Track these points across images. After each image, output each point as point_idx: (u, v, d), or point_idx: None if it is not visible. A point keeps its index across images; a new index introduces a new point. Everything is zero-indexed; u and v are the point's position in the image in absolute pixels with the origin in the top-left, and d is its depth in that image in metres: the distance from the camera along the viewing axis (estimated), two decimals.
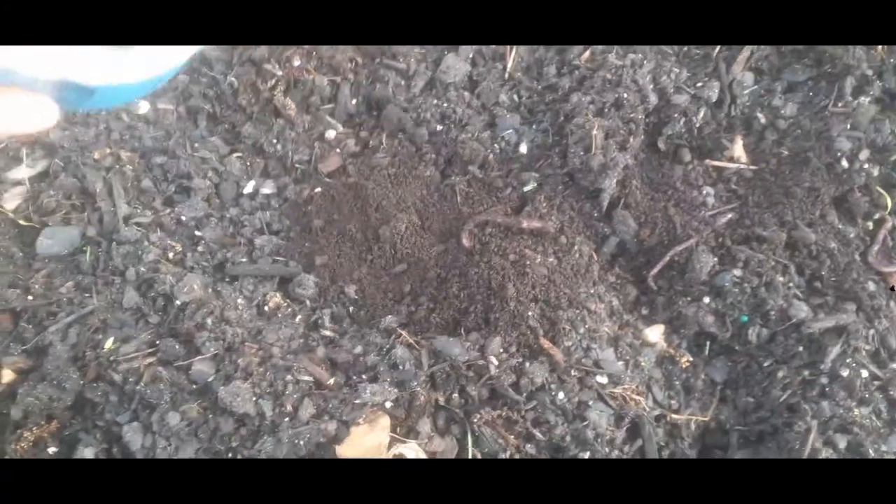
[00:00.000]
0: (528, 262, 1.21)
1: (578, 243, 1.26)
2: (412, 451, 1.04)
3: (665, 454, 1.14)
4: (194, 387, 1.15)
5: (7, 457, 1.17)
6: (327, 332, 1.24)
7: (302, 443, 1.10)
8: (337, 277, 1.30)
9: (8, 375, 1.20)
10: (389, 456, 1.04)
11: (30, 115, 0.51)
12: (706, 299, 1.24)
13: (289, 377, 1.14)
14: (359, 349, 1.19)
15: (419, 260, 1.28)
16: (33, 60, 0.47)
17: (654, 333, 1.25)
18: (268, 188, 1.39)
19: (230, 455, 1.11)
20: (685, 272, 1.25)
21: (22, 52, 0.46)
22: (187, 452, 1.10)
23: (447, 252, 1.28)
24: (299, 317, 1.26)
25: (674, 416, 1.17)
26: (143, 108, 1.48)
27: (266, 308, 1.26)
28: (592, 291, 1.23)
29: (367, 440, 1.08)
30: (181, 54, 0.52)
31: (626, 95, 1.33)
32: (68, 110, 0.45)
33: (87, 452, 1.14)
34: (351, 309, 1.28)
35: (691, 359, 1.23)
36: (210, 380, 1.15)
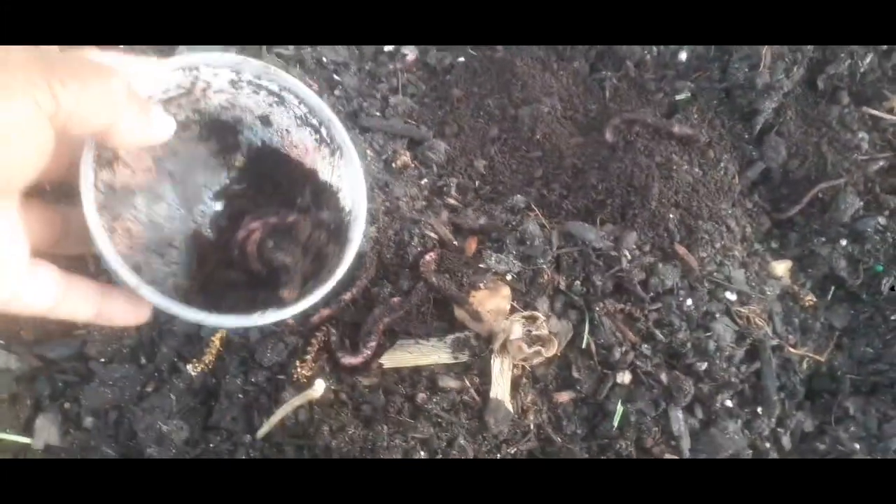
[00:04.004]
0: (674, 167, 1.17)
1: (725, 161, 1.22)
2: (537, 317, 1.01)
3: (777, 384, 1.11)
4: None
5: None
6: (451, 201, 1.21)
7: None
8: (467, 149, 1.26)
9: None
10: (510, 321, 1.01)
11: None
12: (843, 242, 1.20)
13: (415, 230, 1.11)
14: (483, 221, 1.16)
15: (556, 147, 1.24)
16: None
17: (781, 268, 1.21)
18: (409, 50, 1.35)
19: (338, 291, 1.09)
20: (826, 211, 1.21)
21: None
22: None
23: (587, 144, 1.24)
24: (425, 180, 1.23)
25: (791, 349, 1.14)
26: None
27: (394, 165, 1.23)
28: (731, 212, 1.19)
29: (489, 304, 1.06)
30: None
31: None
32: None
33: None
34: (477, 183, 1.24)
35: (814, 300, 1.19)
36: None
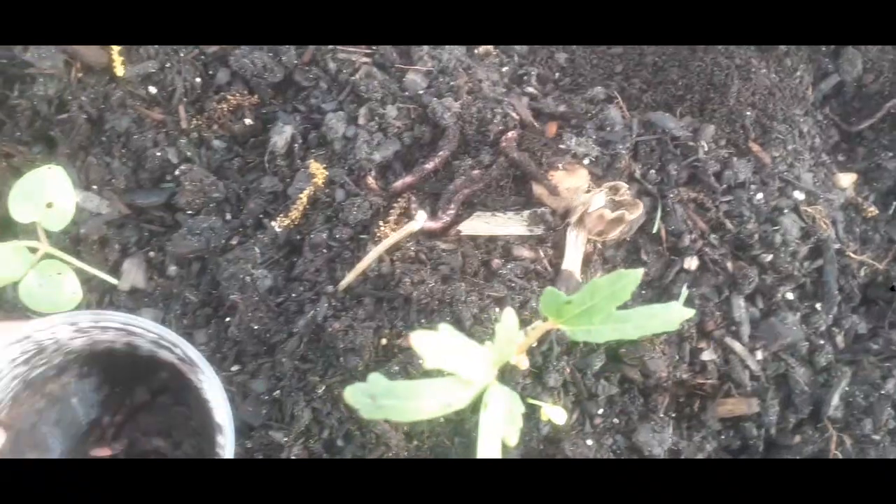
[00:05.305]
0: (752, 70, 1.19)
1: (801, 70, 1.24)
2: (620, 187, 1.04)
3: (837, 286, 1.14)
4: (405, 94, 1.17)
5: (206, 114, 1.19)
6: (531, 89, 1.24)
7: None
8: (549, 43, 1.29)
9: None
10: (592, 193, 1.05)
11: None
12: None
13: (497, 109, 1.14)
14: (563, 108, 1.19)
15: (636, 45, 1.26)
16: None
17: (846, 180, 1.24)
18: None
19: (421, 161, 1.13)
20: None
21: None
22: (388, 150, 1.12)
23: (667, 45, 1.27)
24: (506, 68, 1.26)
25: (851, 255, 1.17)
26: None
27: (476, 51, 1.26)
28: (803, 120, 1.21)
29: (566, 182, 1.09)
30: None
31: None
32: None
33: (287, 130, 1.16)
34: (557, 75, 1.27)
35: (876, 212, 1.22)
36: (421, 92, 1.16)
